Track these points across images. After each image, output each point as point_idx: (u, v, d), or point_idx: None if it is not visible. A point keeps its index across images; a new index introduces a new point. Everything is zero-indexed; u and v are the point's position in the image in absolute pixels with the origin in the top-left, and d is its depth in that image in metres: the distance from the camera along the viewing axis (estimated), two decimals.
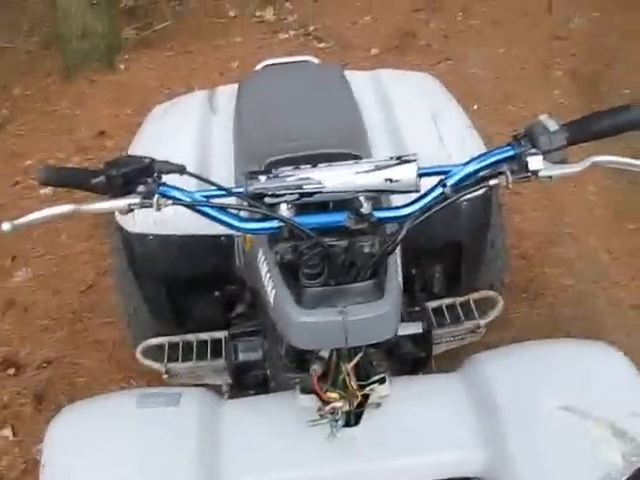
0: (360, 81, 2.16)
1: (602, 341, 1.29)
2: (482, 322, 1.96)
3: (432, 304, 1.96)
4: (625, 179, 3.06)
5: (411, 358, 1.61)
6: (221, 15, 4.88)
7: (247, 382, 1.62)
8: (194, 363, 1.93)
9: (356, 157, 1.49)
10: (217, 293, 1.93)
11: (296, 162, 1.33)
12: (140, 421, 1.18)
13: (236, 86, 2.18)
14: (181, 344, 1.99)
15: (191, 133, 2.04)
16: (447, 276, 1.99)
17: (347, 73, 2.14)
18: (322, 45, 4.55)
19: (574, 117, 1.15)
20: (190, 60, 4.45)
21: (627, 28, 4.46)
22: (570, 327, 2.49)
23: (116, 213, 1.91)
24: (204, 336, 1.99)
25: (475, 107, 3.80)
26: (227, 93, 2.22)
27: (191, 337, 1.99)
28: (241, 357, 1.60)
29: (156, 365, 1.94)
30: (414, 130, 1.96)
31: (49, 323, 2.67)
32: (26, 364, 2.51)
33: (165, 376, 1.93)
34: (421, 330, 1.54)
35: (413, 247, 1.40)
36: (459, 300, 2.02)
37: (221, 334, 1.94)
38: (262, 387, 1.61)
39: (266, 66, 2.33)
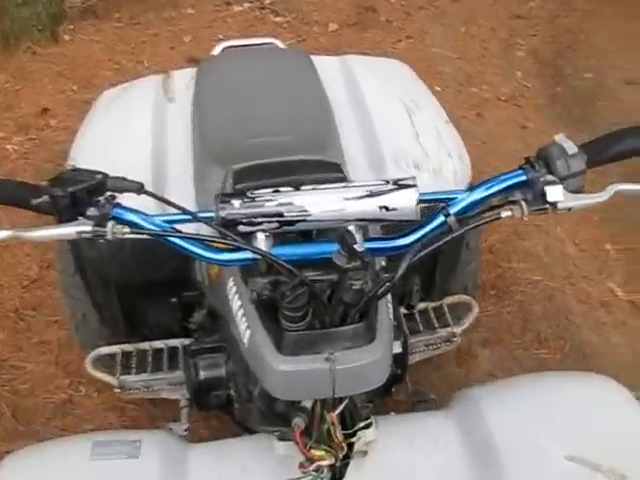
0: (328, 69, 2.00)
1: (603, 375, 1.19)
2: (457, 330, 1.87)
3: (404, 310, 1.86)
4: (590, 171, 2.99)
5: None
6: None
7: (209, 402, 1.48)
8: (149, 375, 1.80)
9: (333, 165, 1.35)
10: (174, 299, 1.78)
11: (267, 171, 1.19)
12: (94, 478, 1.03)
13: (194, 71, 2.01)
14: (135, 353, 1.84)
15: (144, 124, 1.86)
16: (422, 282, 1.87)
17: (314, 59, 1.99)
18: (279, 19, 4.35)
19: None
20: (139, 32, 4.20)
21: (588, 9, 4.39)
22: (540, 326, 2.41)
23: None
24: (159, 344, 1.85)
25: (438, 88, 3.69)
26: (184, 78, 2.04)
27: (146, 345, 1.85)
28: (202, 375, 1.46)
29: (108, 378, 1.80)
30: (388, 125, 1.83)
31: None
32: None
33: (117, 391, 1.78)
34: (400, 350, 1.43)
35: None
36: (432, 305, 1.92)
37: (178, 342, 1.81)
38: (225, 407, 1.47)
39: (226, 48, 2.16)
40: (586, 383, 1.17)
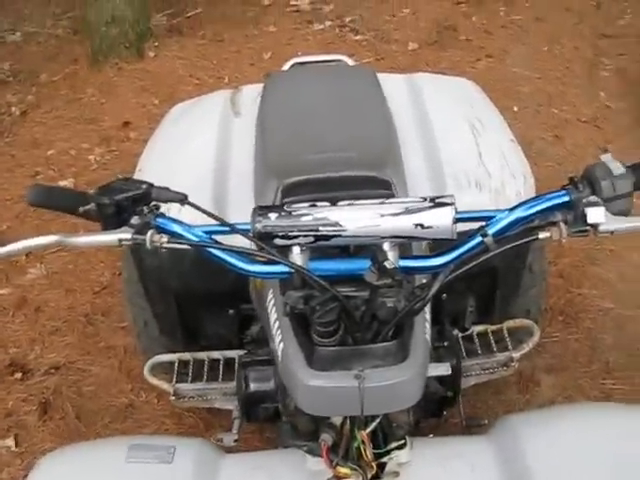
0: (395, 86, 2.00)
1: None
2: (515, 355, 1.81)
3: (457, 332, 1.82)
4: None
5: (437, 398, 1.47)
6: (255, 3, 4.73)
7: (257, 414, 1.49)
8: (204, 384, 1.82)
9: (383, 183, 1.34)
10: (232, 311, 1.81)
11: (316, 185, 1.19)
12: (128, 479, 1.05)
13: (262, 86, 2.04)
14: (192, 362, 1.87)
15: (209, 138, 1.90)
16: (480, 304, 1.83)
17: (381, 76, 1.98)
18: (358, 37, 4.38)
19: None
20: (221, 49, 4.32)
21: None
22: (609, 356, 2.31)
23: None
24: (216, 355, 1.87)
25: (515, 109, 3.64)
26: (252, 93, 2.08)
27: (203, 355, 1.88)
28: (252, 387, 1.47)
29: (164, 385, 1.83)
30: (451, 144, 1.80)
31: (60, 325, 2.56)
32: (33, 368, 2.41)
33: (172, 398, 1.81)
34: (449, 372, 1.40)
35: None
36: (491, 328, 1.88)
37: (234, 353, 1.82)
38: (274, 420, 1.48)
39: (294, 64, 2.19)
40: (632, 415, 1.11)
